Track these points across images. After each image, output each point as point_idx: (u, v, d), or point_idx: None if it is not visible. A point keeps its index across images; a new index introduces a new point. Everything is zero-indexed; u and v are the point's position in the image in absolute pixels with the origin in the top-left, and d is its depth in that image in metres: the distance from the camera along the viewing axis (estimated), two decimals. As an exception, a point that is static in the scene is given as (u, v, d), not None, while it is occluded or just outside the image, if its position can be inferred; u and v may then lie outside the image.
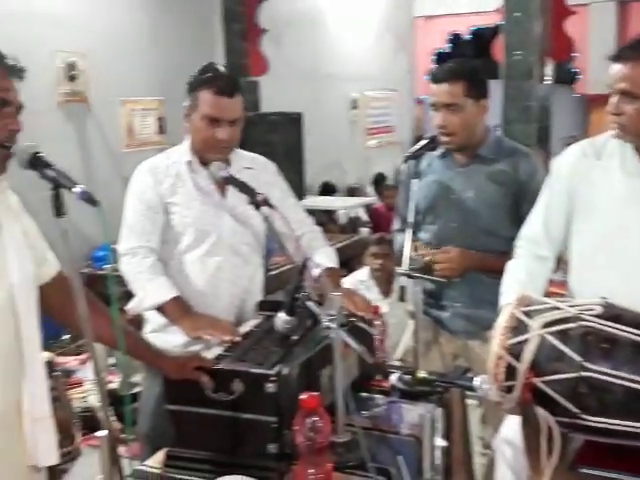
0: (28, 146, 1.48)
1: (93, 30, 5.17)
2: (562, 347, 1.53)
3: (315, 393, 1.55)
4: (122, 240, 2.23)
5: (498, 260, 2.40)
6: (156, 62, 5.62)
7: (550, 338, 1.54)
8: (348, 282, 4.05)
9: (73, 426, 2.95)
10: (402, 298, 2.30)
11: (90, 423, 3.57)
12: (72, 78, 5.00)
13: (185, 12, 5.93)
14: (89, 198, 1.41)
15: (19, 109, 1.52)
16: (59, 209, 1.43)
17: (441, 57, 9.54)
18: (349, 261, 5.96)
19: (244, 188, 2.17)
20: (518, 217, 2.44)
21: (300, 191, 6.32)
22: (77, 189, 1.41)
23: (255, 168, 2.38)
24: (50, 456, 1.63)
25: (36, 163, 1.46)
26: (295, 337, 1.93)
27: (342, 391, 1.71)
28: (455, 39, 9.88)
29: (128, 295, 2.21)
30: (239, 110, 2.24)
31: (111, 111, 5.37)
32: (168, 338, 2.24)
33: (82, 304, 1.44)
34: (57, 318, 1.72)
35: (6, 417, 1.57)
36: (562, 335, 1.55)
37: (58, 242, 1.49)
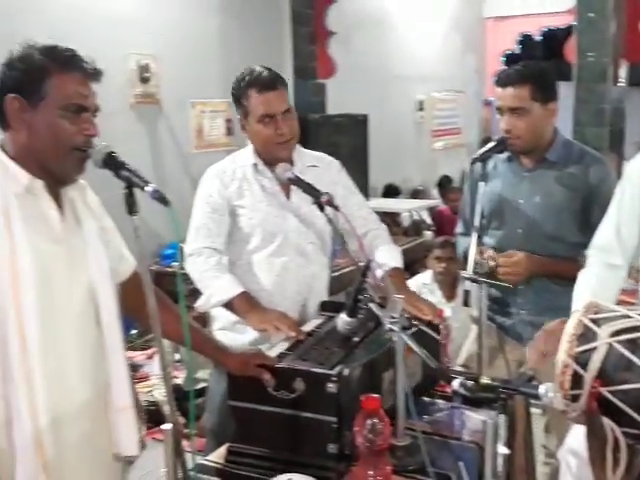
0: (103, 146, 1.53)
1: (165, 33, 5.30)
2: (631, 356, 1.48)
3: (376, 395, 1.55)
4: (189, 241, 2.28)
5: (565, 266, 2.35)
6: (225, 64, 5.71)
7: (619, 347, 1.50)
8: (411, 285, 4.02)
9: (139, 419, 3.03)
10: (466, 302, 2.27)
11: (155, 417, 3.66)
12: (145, 80, 5.13)
13: (254, 15, 6.01)
14: (160, 197, 1.44)
15: (95, 112, 1.57)
16: (132, 207, 1.46)
17: (510, 58, 9.37)
18: (412, 264, 5.91)
19: (309, 189, 2.18)
20: (586, 223, 2.38)
21: (364, 193, 6.31)
22: (149, 188, 1.44)
23: (319, 166, 2.40)
24: (131, 446, 1.70)
25: (110, 162, 1.50)
26: (356, 339, 1.94)
27: (403, 395, 1.70)
28: (525, 40, 9.69)
29: (194, 293, 2.26)
30: (287, 99, 2.26)
31: (181, 112, 5.49)
32: (235, 336, 2.28)
33: (152, 300, 1.48)
34: (130, 314, 1.77)
35: (93, 406, 1.63)
36: (631, 344, 1.50)
37: (130, 239, 1.54)
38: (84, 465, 1.62)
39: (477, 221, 2.29)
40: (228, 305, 2.19)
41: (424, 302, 2.14)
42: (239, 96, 2.25)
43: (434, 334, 2.00)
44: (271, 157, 2.29)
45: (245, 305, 2.16)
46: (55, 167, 1.54)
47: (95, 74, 1.56)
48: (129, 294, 1.73)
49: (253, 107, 2.22)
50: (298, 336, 1.98)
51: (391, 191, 7.85)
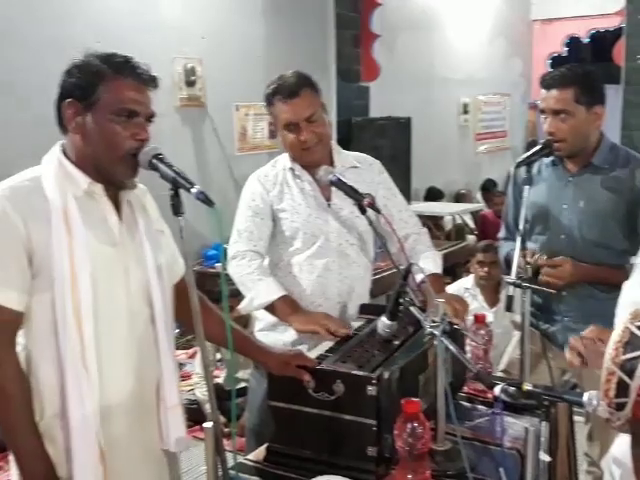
0: (150, 148, 1.56)
1: (210, 37, 5.37)
2: (679, 366, 1.44)
3: (416, 399, 1.54)
4: (231, 244, 2.31)
5: (609, 273, 2.30)
6: (270, 68, 5.75)
7: (666, 356, 1.46)
8: (453, 289, 4.00)
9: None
10: (509, 308, 2.24)
11: (195, 415, 3.70)
12: (190, 83, 5.21)
13: (299, 18, 6.05)
14: (205, 198, 1.46)
15: (150, 118, 1.60)
16: (177, 208, 1.48)
17: (557, 61, 9.24)
18: (454, 268, 5.88)
19: (351, 192, 2.18)
20: (632, 229, 2.34)
21: (406, 196, 6.29)
22: (194, 189, 1.46)
23: (360, 167, 2.40)
24: (181, 443, 1.72)
25: (157, 164, 1.53)
26: (397, 342, 1.93)
27: (444, 399, 1.69)
28: (573, 42, 9.54)
29: (236, 293, 2.28)
30: (312, 106, 2.24)
31: (226, 115, 5.55)
32: (276, 337, 2.30)
33: (195, 299, 1.50)
34: (176, 317, 1.81)
35: (144, 402, 1.67)
36: (680, 353, 1.46)
37: (177, 239, 1.56)
38: (133, 458, 1.66)
39: (521, 225, 2.26)
40: (270, 308, 2.21)
41: (459, 301, 2.13)
42: (268, 103, 2.29)
43: (472, 337, 1.98)
44: (300, 162, 2.31)
45: (287, 308, 2.18)
46: (108, 170, 1.58)
47: (150, 80, 1.59)
48: (176, 298, 1.76)
49: (278, 115, 2.25)
50: (347, 332, 2.01)
51: (433, 194, 7.81)
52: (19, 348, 1.56)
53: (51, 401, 1.54)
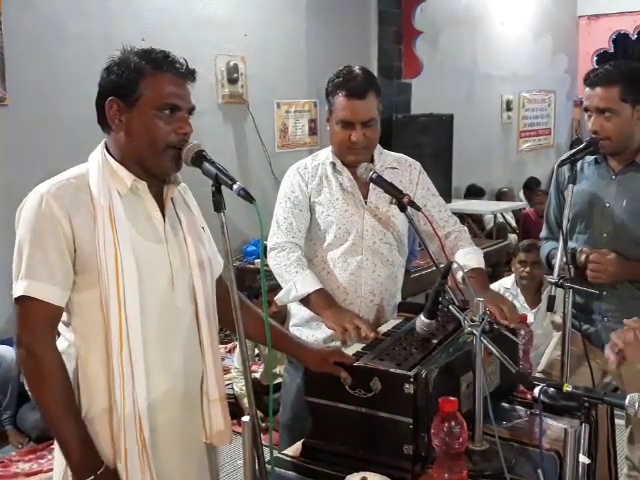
0: (193, 144, 1.58)
1: (253, 34, 5.41)
2: None
3: (453, 398, 1.53)
4: (271, 235, 2.32)
5: None
6: (311, 65, 5.77)
7: None
8: (494, 289, 3.95)
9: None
10: (550, 308, 2.21)
11: (233, 410, 3.74)
12: (233, 81, 5.25)
13: (340, 15, 6.05)
14: (247, 195, 1.47)
15: (191, 111, 1.62)
16: (219, 204, 1.49)
17: (604, 58, 9.05)
18: (495, 268, 5.81)
19: (391, 189, 2.18)
20: None
21: (447, 194, 6.25)
22: (236, 186, 1.47)
23: (398, 168, 2.39)
24: (224, 437, 1.75)
25: (200, 160, 1.55)
26: (435, 341, 1.92)
27: (482, 399, 1.68)
28: (620, 39, 9.33)
29: (275, 288, 2.30)
30: (372, 111, 2.24)
31: (267, 112, 5.58)
32: (309, 333, 2.31)
33: (235, 295, 1.51)
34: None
35: (188, 395, 1.70)
36: None
37: (215, 236, 1.58)
38: (176, 450, 1.68)
39: (565, 225, 2.24)
40: (305, 301, 2.22)
41: (506, 302, 2.10)
42: (329, 93, 2.28)
43: (514, 338, 1.96)
44: (342, 159, 2.31)
45: (322, 302, 2.18)
46: (152, 165, 1.60)
47: (188, 74, 1.61)
48: (217, 295, 1.78)
49: (337, 109, 2.24)
50: (374, 336, 1.98)
51: (474, 192, 7.73)
52: (66, 344, 1.60)
53: (99, 396, 1.57)
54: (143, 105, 1.55)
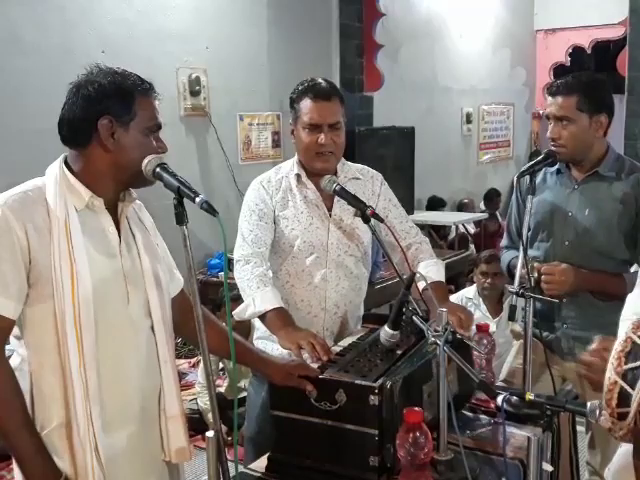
0: (154, 157, 1.59)
1: (213, 47, 5.39)
2: (682, 376, 1.44)
3: (418, 409, 1.54)
4: (237, 248, 2.31)
5: (609, 280, 2.33)
6: (274, 77, 5.77)
7: (669, 366, 1.46)
8: (455, 299, 3.99)
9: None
10: (512, 317, 2.24)
11: (197, 425, 3.70)
12: (195, 93, 5.23)
13: (302, 28, 6.07)
14: (209, 208, 1.47)
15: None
16: (181, 218, 1.50)
17: (560, 71, 9.24)
18: (458, 278, 5.87)
19: (354, 201, 2.19)
20: (635, 240, 2.36)
21: (409, 205, 6.30)
22: (198, 199, 1.47)
23: (361, 178, 2.41)
24: (184, 453, 1.73)
25: (161, 173, 1.56)
26: (399, 351, 1.93)
27: (446, 408, 1.69)
28: (577, 53, 9.55)
29: (239, 299, 2.27)
30: (338, 114, 2.27)
31: (230, 125, 5.57)
32: (274, 346, 2.29)
33: (198, 308, 1.51)
34: (178, 332, 1.82)
35: (145, 412, 1.68)
36: (682, 363, 1.46)
37: (177, 250, 1.58)
38: (134, 469, 1.66)
39: (525, 234, 2.27)
40: (262, 318, 2.19)
41: (464, 311, 2.13)
42: (294, 100, 2.30)
43: (472, 345, 1.98)
44: (310, 167, 2.31)
45: (278, 321, 2.15)
46: (135, 180, 1.64)
47: (157, 94, 1.68)
48: (175, 312, 1.78)
49: (303, 112, 2.25)
50: (327, 357, 1.93)
51: (436, 204, 7.80)
52: (18, 360, 1.58)
53: (56, 412, 1.55)
54: (136, 125, 1.61)
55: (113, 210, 1.67)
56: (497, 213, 8.09)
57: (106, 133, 1.59)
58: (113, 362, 1.61)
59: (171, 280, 1.82)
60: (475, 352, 2.13)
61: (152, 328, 1.69)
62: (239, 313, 2.22)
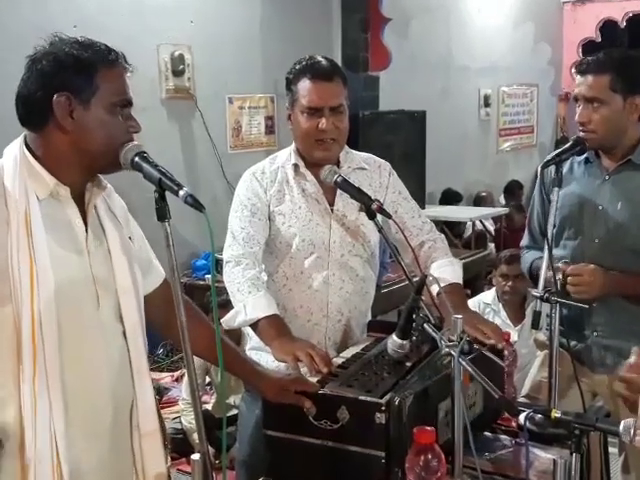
0: (132, 145, 1.58)
1: (199, 20, 5.39)
2: None
3: (430, 428, 1.54)
4: (226, 248, 2.30)
5: None
6: (267, 56, 5.77)
7: None
8: (472, 305, 3.98)
9: (165, 449, 3.06)
10: (535, 325, 2.24)
11: (181, 446, 3.70)
12: (178, 73, 5.23)
13: (300, 1, 6.07)
14: (195, 202, 1.47)
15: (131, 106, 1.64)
16: (163, 213, 1.49)
17: (590, 48, 9.24)
18: (474, 281, 5.87)
19: (358, 194, 2.19)
20: None
21: (421, 199, 6.29)
22: (182, 192, 1.47)
23: (367, 168, 2.41)
24: (158, 474, 1.72)
25: (140, 163, 1.54)
26: (409, 363, 1.93)
27: (462, 428, 1.69)
28: (608, 27, 9.54)
29: (228, 304, 2.27)
30: (341, 96, 2.27)
31: (217, 109, 5.57)
32: (269, 357, 2.28)
33: (182, 315, 1.50)
34: (158, 330, 1.82)
35: (116, 428, 1.67)
36: None
37: (159, 248, 1.58)
38: None
39: (550, 232, 2.27)
40: (254, 327, 2.18)
41: (487, 323, 2.12)
42: (291, 80, 2.29)
43: (498, 360, 1.98)
44: (309, 156, 2.31)
45: (271, 331, 2.13)
46: (101, 164, 1.61)
47: (129, 66, 1.64)
48: (157, 307, 1.78)
49: (301, 95, 2.25)
50: (328, 369, 1.93)
51: (451, 197, 7.81)
52: None
53: (10, 428, 1.52)
54: (98, 101, 1.57)
55: (80, 200, 1.64)
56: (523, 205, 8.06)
57: (63, 112, 1.56)
58: (81, 371, 1.59)
59: (148, 272, 1.80)
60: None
61: (124, 334, 1.67)
62: (228, 321, 2.21)
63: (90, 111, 1.57)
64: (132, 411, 1.69)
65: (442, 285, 2.02)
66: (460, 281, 2.32)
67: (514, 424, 2.03)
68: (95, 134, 1.58)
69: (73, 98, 1.56)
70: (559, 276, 2.29)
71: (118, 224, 1.72)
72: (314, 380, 1.88)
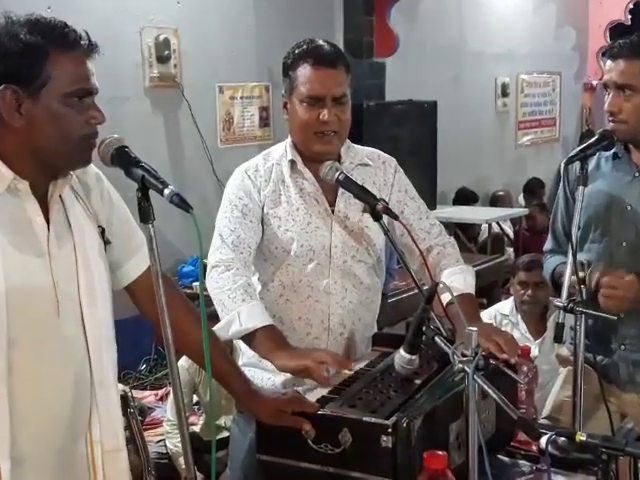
0: (113, 139, 1.58)
1: (188, 2, 5.40)
2: None
3: (442, 452, 1.54)
4: (213, 252, 2.29)
5: None
6: (262, 40, 5.78)
7: None
8: (487, 316, 3.99)
9: (148, 475, 3.06)
10: (558, 338, 2.24)
11: (166, 472, 3.70)
12: (163, 59, 5.23)
13: (298, -21, 6.09)
14: (181, 202, 1.47)
15: (96, 93, 1.61)
16: (146, 214, 1.50)
17: (618, 31, 9.26)
18: (490, 289, 5.87)
19: (362, 194, 2.19)
20: None
21: (431, 199, 6.31)
22: (168, 191, 1.47)
23: (371, 164, 2.41)
24: None
25: (121, 159, 1.55)
26: (418, 381, 1.93)
27: (476, 452, 1.69)
28: (638, 8, 9.57)
29: (214, 316, 2.26)
30: (344, 84, 2.26)
31: (207, 98, 5.58)
32: (264, 375, 2.28)
33: (167, 328, 1.50)
34: (149, 316, 1.81)
35: (73, 446, 1.67)
36: None
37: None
38: None
39: (575, 234, 2.27)
40: (249, 339, 2.16)
41: (500, 334, 2.12)
42: (289, 66, 2.28)
43: (513, 374, 1.98)
44: (307, 151, 2.31)
45: (270, 342, 2.12)
46: (59, 162, 1.60)
47: (93, 50, 1.61)
48: (145, 295, 1.77)
49: (301, 82, 2.24)
50: (349, 367, 1.96)
51: (465, 197, 7.82)
52: None
53: None
54: (49, 92, 1.54)
55: (45, 196, 1.63)
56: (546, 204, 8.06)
57: (9, 107, 1.54)
58: (36, 387, 1.59)
59: (132, 256, 1.80)
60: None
61: (87, 345, 1.66)
62: (220, 330, 2.18)
63: (40, 104, 1.55)
64: (91, 426, 1.69)
65: (454, 295, 2.02)
66: (472, 291, 2.32)
67: (534, 448, 2.04)
68: (46, 129, 1.56)
69: (20, 91, 1.53)
70: (592, 284, 2.29)
71: (90, 214, 1.71)
72: (320, 394, 1.89)
